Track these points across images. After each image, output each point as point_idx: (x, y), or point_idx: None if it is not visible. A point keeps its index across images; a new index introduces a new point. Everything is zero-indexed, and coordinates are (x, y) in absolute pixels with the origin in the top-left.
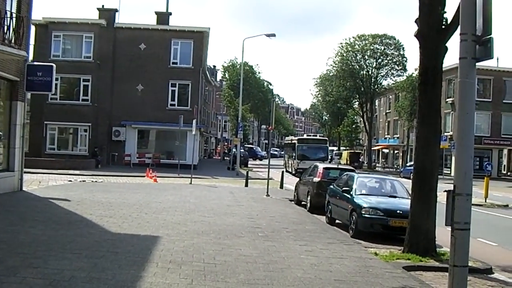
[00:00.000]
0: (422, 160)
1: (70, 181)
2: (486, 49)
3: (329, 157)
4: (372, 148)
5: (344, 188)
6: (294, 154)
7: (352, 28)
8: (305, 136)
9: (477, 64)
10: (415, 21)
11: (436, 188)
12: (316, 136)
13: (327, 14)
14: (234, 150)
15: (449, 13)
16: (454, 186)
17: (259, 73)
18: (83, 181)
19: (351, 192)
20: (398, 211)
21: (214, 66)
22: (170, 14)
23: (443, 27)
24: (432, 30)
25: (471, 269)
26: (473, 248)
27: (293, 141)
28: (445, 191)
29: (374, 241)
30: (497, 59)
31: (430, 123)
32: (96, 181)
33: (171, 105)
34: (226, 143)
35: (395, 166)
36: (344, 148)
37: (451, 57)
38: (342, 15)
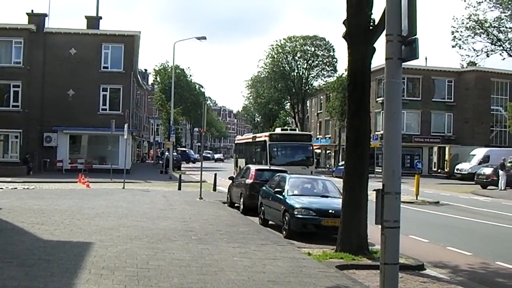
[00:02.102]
0: (352, 160)
1: (1, 188)
2: (411, 49)
3: (314, 161)
4: None
5: (276, 189)
6: (260, 158)
7: (282, 30)
8: (279, 131)
9: (406, 63)
10: (343, 23)
11: (367, 187)
12: (295, 130)
13: (256, 16)
14: (166, 153)
15: (377, 14)
16: (383, 185)
17: (190, 76)
18: (15, 188)
19: (284, 193)
20: (330, 211)
21: (146, 70)
22: (101, 18)
23: (370, 28)
24: (359, 31)
25: (403, 266)
26: (405, 245)
27: (258, 139)
28: (374, 190)
29: (308, 241)
30: (426, 58)
31: (359, 123)
32: (27, 188)
33: (102, 109)
34: (158, 147)
35: (328, 166)
36: None
37: (381, 57)
38: (272, 17)
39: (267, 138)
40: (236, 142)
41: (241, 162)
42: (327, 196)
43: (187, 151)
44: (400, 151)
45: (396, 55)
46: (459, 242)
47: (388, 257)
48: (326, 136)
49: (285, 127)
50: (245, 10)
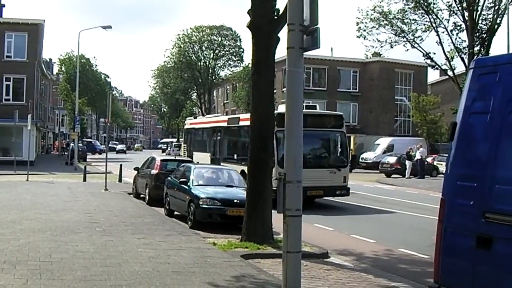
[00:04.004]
0: (256, 150)
1: None
2: (313, 38)
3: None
4: None
5: (181, 180)
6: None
7: (187, 18)
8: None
9: (312, 53)
10: (248, 12)
11: (271, 176)
12: (314, 107)
13: (162, 4)
14: (72, 144)
15: (281, 4)
16: (285, 173)
17: (96, 65)
18: None
19: (189, 183)
20: (235, 200)
21: (51, 59)
22: (4, 6)
23: (275, 18)
24: (264, 21)
25: (308, 254)
26: (311, 233)
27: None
28: (276, 178)
29: (213, 231)
30: (331, 49)
31: (263, 112)
32: None
33: (5, 100)
34: (64, 138)
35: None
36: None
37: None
38: (177, 5)
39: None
40: (189, 127)
41: (203, 158)
42: (232, 186)
43: (92, 142)
44: (302, 140)
45: (298, 44)
46: (363, 230)
47: (290, 246)
48: None
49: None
50: None
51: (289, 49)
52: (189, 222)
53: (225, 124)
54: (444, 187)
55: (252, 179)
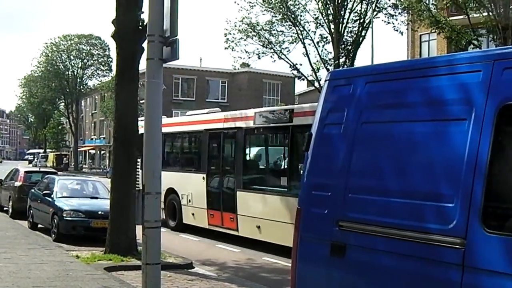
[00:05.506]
0: (120, 160)
1: None
2: (172, 50)
3: None
4: (79, 149)
5: (45, 192)
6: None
7: (53, 26)
8: None
9: (181, 64)
10: (112, 22)
11: (135, 187)
12: None
13: (28, 10)
14: None
15: (147, 15)
16: (143, 185)
17: None
18: None
19: (52, 195)
20: (99, 212)
21: None
22: None
23: (139, 28)
24: (128, 31)
25: (172, 265)
26: (176, 244)
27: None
28: (138, 189)
29: (77, 243)
30: (200, 59)
31: (126, 123)
32: None
33: None
34: None
35: (102, 166)
36: (51, 150)
37: None
38: (42, 12)
39: None
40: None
41: (190, 182)
42: (97, 198)
43: None
44: (160, 151)
45: (157, 55)
46: (228, 240)
47: (149, 257)
48: (100, 136)
49: None
50: (14, 4)
51: (148, 60)
52: (53, 235)
53: (248, 123)
54: (300, 196)
55: (115, 190)
